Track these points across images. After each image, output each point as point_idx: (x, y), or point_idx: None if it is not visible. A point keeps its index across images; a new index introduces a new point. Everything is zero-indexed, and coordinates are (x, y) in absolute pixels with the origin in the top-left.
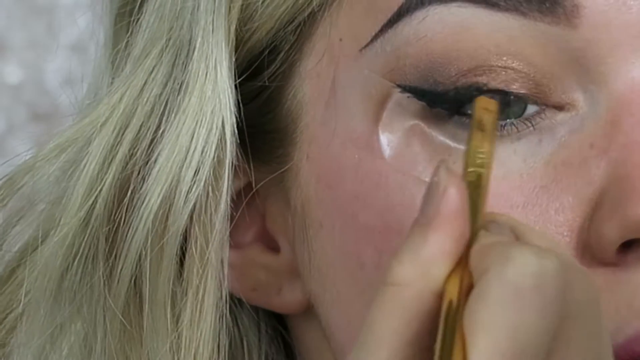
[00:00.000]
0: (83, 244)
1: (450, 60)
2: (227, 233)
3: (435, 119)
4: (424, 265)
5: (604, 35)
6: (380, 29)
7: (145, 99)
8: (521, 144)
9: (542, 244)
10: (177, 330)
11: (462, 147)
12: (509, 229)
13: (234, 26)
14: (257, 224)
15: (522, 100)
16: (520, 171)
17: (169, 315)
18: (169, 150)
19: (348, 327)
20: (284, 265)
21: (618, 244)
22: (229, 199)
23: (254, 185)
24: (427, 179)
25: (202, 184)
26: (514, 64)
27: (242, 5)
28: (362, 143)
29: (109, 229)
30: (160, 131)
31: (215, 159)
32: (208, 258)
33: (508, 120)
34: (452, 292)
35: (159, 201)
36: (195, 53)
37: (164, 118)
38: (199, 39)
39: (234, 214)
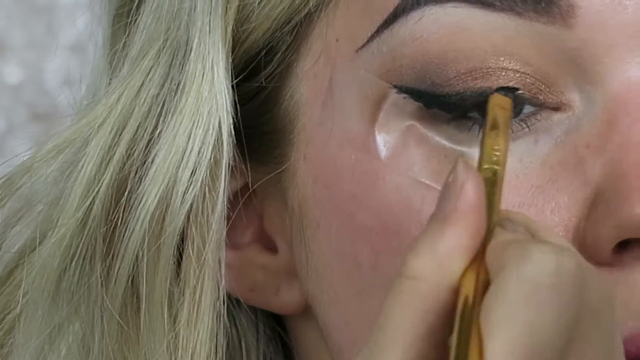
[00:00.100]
0: (80, 245)
1: (447, 61)
2: (224, 233)
3: (431, 119)
4: (441, 259)
5: (600, 35)
6: (377, 30)
7: (142, 100)
8: (517, 144)
9: (558, 242)
10: (174, 331)
11: (458, 148)
12: (523, 227)
13: (231, 27)
14: (255, 224)
15: (518, 101)
16: (516, 171)
17: (166, 316)
18: (166, 150)
19: (345, 327)
20: (281, 266)
21: (614, 244)
22: (225, 200)
23: (250, 185)
24: (424, 180)
25: (199, 184)
26: (510, 64)
27: (239, 6)
28: (359, 143)
29: (107, 229)
30: (158, 132)
31: (212, 160)
32: (205, 258)
33: None
34: (469, 288)
35: (155, 202)
36: (192, 54)
37: (161, 118)
38: (196, 40)
39: (231, 214)
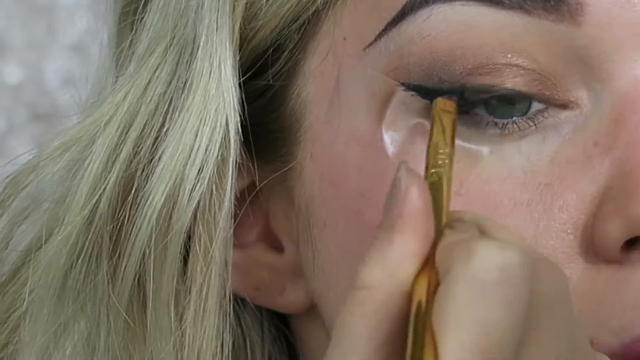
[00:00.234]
0: (87, 243)
1: (454, 58)
2: (231, 231)
3: None
4: (391, 267)
5: (608, 33)
6: (384, 28)
7: (149, 98)
8: (525, 142)
9: (508, 238)
10: (180, 329)
11: (465, 145)
12: (475, 226)
13: (238, 24)
14: (261, 223)
15: (527, 98)
16: (524, 169)
17: (172, 314)
18: (173, 148)
19: None
20: (287, 265)
21: (622, 242)
22: (232, 198)
23: (257, 184)
24: None
25: (205, 182)
26: (518, 62)
27: (247, 3)
28: (366, 141)
29: (113, 227)
30: (164, 129)
31: (219, 158)
32: (212, 256)
33: (512, 118)
34: (421, 293)
35: (162, 199)
36: (200, 51)
37: (168, 116)
38: (203, 38)
39: (238, 212)
